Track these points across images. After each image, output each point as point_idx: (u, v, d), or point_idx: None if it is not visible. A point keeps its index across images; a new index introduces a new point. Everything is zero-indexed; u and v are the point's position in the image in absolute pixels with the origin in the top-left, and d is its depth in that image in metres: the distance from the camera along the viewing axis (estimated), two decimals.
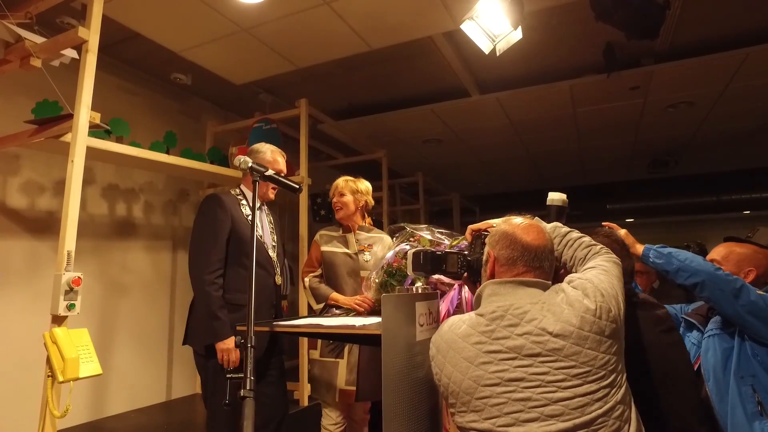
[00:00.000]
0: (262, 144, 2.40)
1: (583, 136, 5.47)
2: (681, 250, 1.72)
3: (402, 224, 2.00)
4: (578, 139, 5.58)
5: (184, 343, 2.23)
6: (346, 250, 2.48)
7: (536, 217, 1.40)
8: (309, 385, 2.71)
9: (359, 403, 2.41)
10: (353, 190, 2.52)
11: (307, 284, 2.43)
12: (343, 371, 2.32)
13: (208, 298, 2.03)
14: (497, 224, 1.35)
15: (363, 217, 2.58)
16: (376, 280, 1.99)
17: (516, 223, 1.29)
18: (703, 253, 2.76)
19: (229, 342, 2.01)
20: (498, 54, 2.59)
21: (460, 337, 1.16)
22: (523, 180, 7.64)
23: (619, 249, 1.60)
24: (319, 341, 2.40)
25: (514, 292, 1.18)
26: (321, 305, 2.37)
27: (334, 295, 2.35)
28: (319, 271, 2.49)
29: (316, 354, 2.42)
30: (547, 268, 1.25)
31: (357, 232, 2.53)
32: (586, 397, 1.04)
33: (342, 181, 2.55)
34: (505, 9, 2.37)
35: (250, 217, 2.17)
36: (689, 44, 3.51)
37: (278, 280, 2.28)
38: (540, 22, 3.06)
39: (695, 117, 4.84)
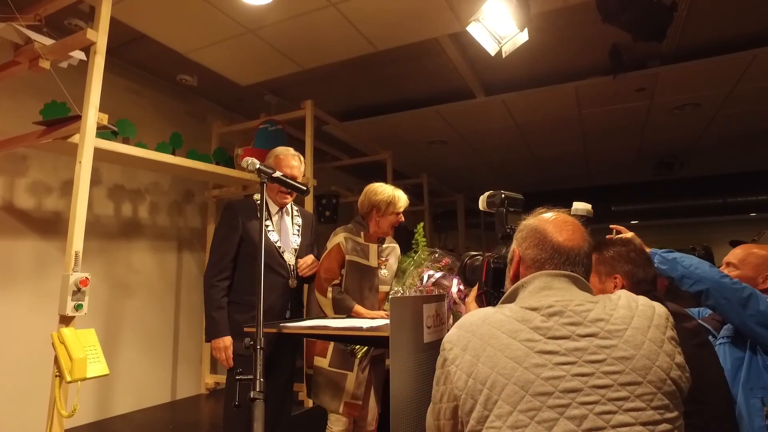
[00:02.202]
0: (274, 149, 2.44)
1: (589, 137, 5.46)
2: (687, 255, 1.65)
3: (435, 249, 2.00)
4: (583, 140, 5.57)
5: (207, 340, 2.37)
6: (368, 263, 2.35)
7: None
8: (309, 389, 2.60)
9: (369, 413, 2.37)
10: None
11: (329, 295, 2.27)
12: (351, 385, 2.24)
13: (207, 299, 2.18)
14: (527, 218, 1.17)
15: None
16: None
17: (547, 218, 1.11)
18: (709, 255, 2.74)
19: (223, 341, 2.12)
20: (504, 56, 2.58)
21: (505, 332, 0.92)
22: (528, 182, 7.62)
23: (637, 257, 1.54)
24: (331, 350, 2.30)
25: (569, 289, 1.01)
26: (342, 317, 2.25)
27: (358, 308, 2.24)
28: (338, 280, 2.31)
29: (324, 362, 2.30)
30: (582, 273, 1.05)
31: (377, 243, 2.43)
32: (647, 428, 0.85)
33: (407, 199, 2.44)
34: (512, 11, 2.36)
35: (267, 221, 2.25)
36: (696, 46, 3.50)
37: (292, 283, 2.27)
38: (546, 23, 3.06)
39: (701, 119, 4.82)
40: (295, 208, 2.45)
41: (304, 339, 2.41)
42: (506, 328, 0.93)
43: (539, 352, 0.89)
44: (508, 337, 0.92)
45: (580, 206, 1.68)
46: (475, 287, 1.44)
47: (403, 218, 2.43)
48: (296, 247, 2.33)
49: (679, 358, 0.94)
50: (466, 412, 0.90)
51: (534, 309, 0.95)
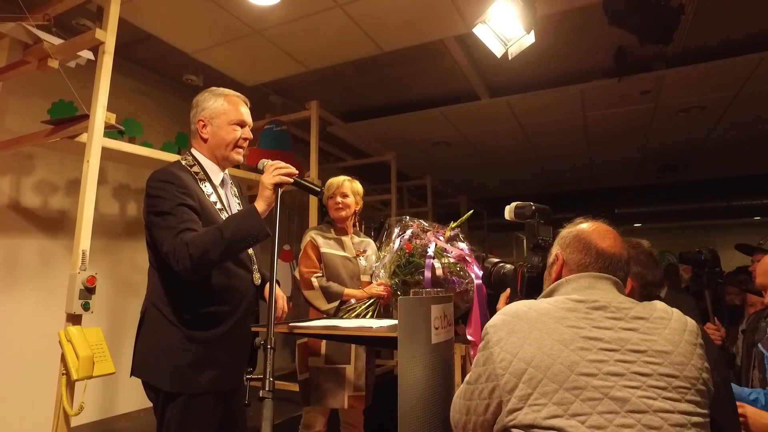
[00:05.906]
0: (212, 90, 1.77)
1: (593, 140, 5.45)
2: None
3: (397, 217, 2.00)
4: (588, 143, 5.56)
5: (131, 375, 1.63)
6: (345, 254, 2.42)
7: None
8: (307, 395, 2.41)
9: (357, 407, 2.36)
10: (355, 191, 2.46)
11: (316, 285, 2.30)
12: (351, 376, 2.26)
13: (200, 240, 1.48)
14: (567, 226, 1.24)
15: (355, 221, 2.56)
16: (388, 267, 1.89)
17: (590, 226, 1.17)
18: (715, 258, 2.71)
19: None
20: (510, 58, 2.58)
21: (552, 318, 0.98)
22: (532, 184, 7.62)
23: (646, 260, 1.54)
24: (324, 347, 2.31)
25: (611, 290, 1.07)
26: (334, 304, 2.27)
27: (348, 291, 2.29)
28: (321, 272, 2.36)
29: (320, 361, 2.29)
30: (622, 279, 1.12)
31: (351, 235, 2.49)
32: (684, 417, 0.90)
33: (347, 181, 2.47)
34: (518, 13, 2.37)
35: (212, 197, 1.68)
36: (701, 49, 3.49)
37: (256, 279, 1.71)
38: (551, 25, 3.06)
39: (706, 122, 4.81)
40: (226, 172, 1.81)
41: (296, 346, 2.38)
42: (553, 315, 0.99)
43: (584, 337, 0.95)
44: (554, 323, 0.97)
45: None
46: (506, 293, 1.49)
47: (340, 202, 2.42)
48: None
49: (708, 366, 1.00)
50: (507, 391, 0.95)
51: (580, 301, 1.01)
